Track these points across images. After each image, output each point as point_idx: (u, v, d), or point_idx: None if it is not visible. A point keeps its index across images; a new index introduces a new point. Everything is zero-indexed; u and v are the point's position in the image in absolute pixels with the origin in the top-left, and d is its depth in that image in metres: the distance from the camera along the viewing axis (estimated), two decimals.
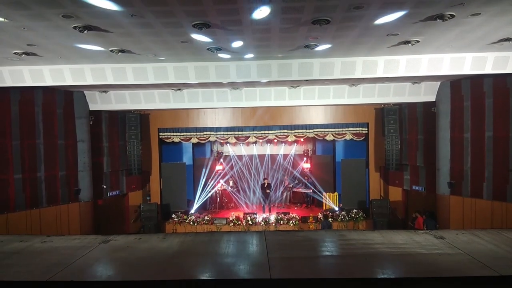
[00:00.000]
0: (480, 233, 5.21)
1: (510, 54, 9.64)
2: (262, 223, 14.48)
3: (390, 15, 6.61)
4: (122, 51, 8.60)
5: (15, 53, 8.65)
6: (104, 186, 14.65)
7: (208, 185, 16.64)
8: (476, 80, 11.92)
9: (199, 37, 7.71)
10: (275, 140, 16.60)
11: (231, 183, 17.30)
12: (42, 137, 12.52)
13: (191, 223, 14.73)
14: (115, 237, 5.27)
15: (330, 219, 14.29)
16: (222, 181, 17.12)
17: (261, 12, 6.32)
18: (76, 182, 13.47)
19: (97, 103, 13.95)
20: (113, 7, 5.90)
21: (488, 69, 9.98)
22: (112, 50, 8.52)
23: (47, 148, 12.65)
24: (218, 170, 17.53)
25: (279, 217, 14.64)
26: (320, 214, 14.69)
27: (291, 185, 17.25)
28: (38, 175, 12.40)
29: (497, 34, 8.04)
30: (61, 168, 13.04)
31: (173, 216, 15.11)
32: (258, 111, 15.26)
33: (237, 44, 8.33)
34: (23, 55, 8.78)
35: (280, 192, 17.49)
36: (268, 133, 15.91)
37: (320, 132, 15.70)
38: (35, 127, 12.37)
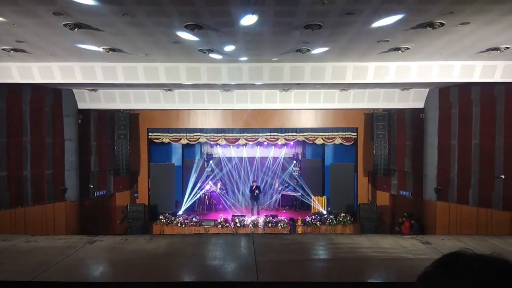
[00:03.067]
0: (465, 239, 5.28)
1: (497, 63, 9.82)
2: (251, 225, 14.48)
3: (382, 20, 6.68)
4: (113, 50, 8.53)
5: (3, 49, 8.51)
6: (91, 186, 14.47)
7: (197, 186, 16.56)
8: (464, 88, 12.09)
9: (189, 37, 7.69)
10: (265, 143, 16.62)
11: (219, 185, 17.25)
12: (29, 134, 12.31)
13: (179, 224, 14.65)
14: (101, 238, 5.20)
15: (318, 223, 14.36)
16: (211, 183, 17.07)
17: (253, 16, 6.34)
18: (62, 181, 13.27)
19: (86, 101, 13.79)
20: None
21: (476, 77, 10.14)
22: (103, 48, 8.45)
23: (34, 146, 12.44)
24: (207, 171, 17.46)
25: (267, 220, 14.65)
26: (308, 217, 14.77)
27: (280, 188, 17.27)
28: (24, 173, 12.19)
29: (486, 43, 8.18)
30: (47, 167, 12.83)
31: (160, 217, 15.01)
32: (249, 113, 15.26)
33: (228, 47, 8.32)
34: (12, 52, 8.64)
35: (269, 194, 17.50)
36: (258, 136, 15.90)
37: (310, 136, 15.76)
38: (22, 124, 12.16)
